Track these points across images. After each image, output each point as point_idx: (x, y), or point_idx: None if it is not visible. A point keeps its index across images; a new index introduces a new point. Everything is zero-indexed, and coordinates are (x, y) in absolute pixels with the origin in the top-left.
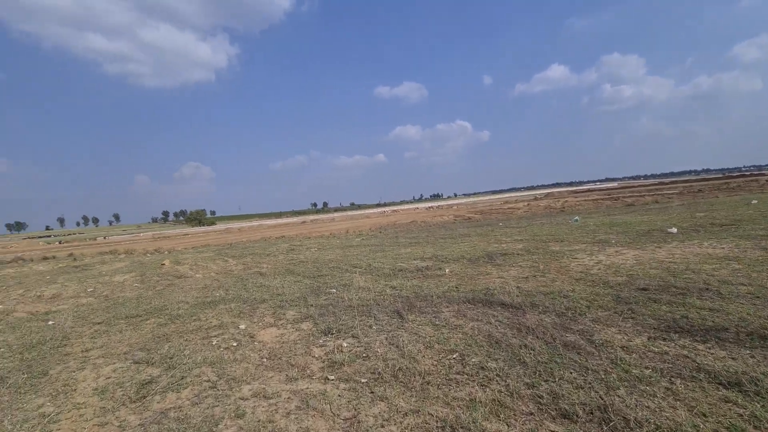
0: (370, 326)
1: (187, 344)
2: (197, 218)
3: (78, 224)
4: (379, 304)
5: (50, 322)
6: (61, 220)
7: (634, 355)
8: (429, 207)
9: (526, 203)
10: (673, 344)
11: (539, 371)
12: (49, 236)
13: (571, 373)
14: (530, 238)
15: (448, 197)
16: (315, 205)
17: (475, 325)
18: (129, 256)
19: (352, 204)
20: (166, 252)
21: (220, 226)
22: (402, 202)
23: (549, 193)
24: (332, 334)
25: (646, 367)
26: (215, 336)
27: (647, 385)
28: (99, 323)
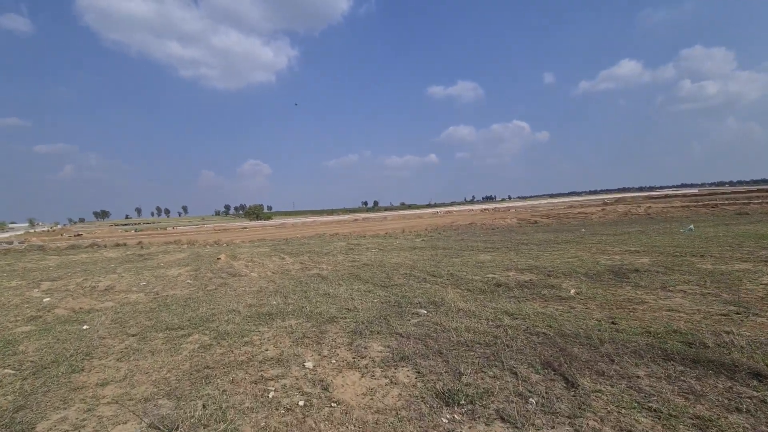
0: (522, 396)
1: (233, 394)
2: (255, 213)
3: (152, 214)
4: (508, 346)
5: (84, 327)
6: (139, 210)
7: None
8: (484, 209)
9: (599, 208)
10: None
11: None
12: (129, 224)
13: None
14: (649, 250)
15: (502, 200)
16: (366, 203)
17: (749, 424)
18: (190, 247)
19: (402, 204)
20: (225, 245)
21: (275, 221)
22: (453, 203)
23: (620, 198)
24: (459, 404)
25: None
26: (272, 380)
27: None
28: (134, 335)
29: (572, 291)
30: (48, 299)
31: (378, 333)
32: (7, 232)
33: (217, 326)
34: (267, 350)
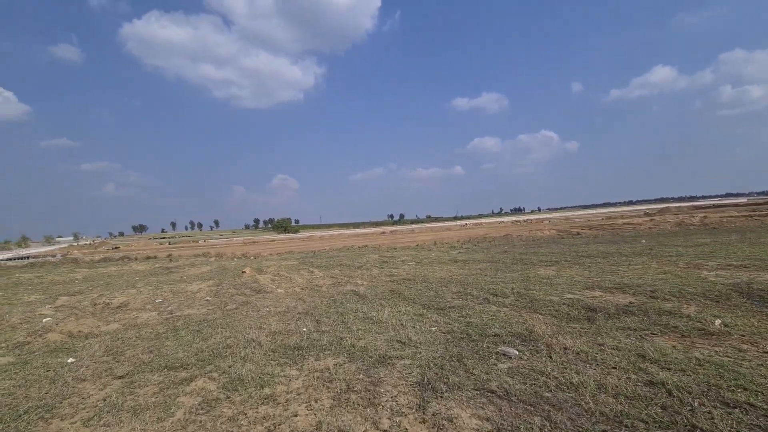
0: None
1: None
2: (283, 226)
3: (186, 228)
4: (694, 426)
5: (70, 360)
6: (173, 224)
7: None
8: (515, 220)
9: (647, 219)
10: None
11: None
12: (164, 238)
13: None
14: (760, 264)
15: (532, 211)
16: (392, 216)
17: None
18: (217, 260)
19: (429, 216)
20: (252, 257)
21: (303, 234)
22: (480, 216)
23: (664, 208)
24: None
25: None
26: None
27: None
28: (122, 377)
29: (717, 322)
30: (48, 319)
31: (458, 388)
32: (54, 245)
33: (230, 366)
34: (296, 416)
